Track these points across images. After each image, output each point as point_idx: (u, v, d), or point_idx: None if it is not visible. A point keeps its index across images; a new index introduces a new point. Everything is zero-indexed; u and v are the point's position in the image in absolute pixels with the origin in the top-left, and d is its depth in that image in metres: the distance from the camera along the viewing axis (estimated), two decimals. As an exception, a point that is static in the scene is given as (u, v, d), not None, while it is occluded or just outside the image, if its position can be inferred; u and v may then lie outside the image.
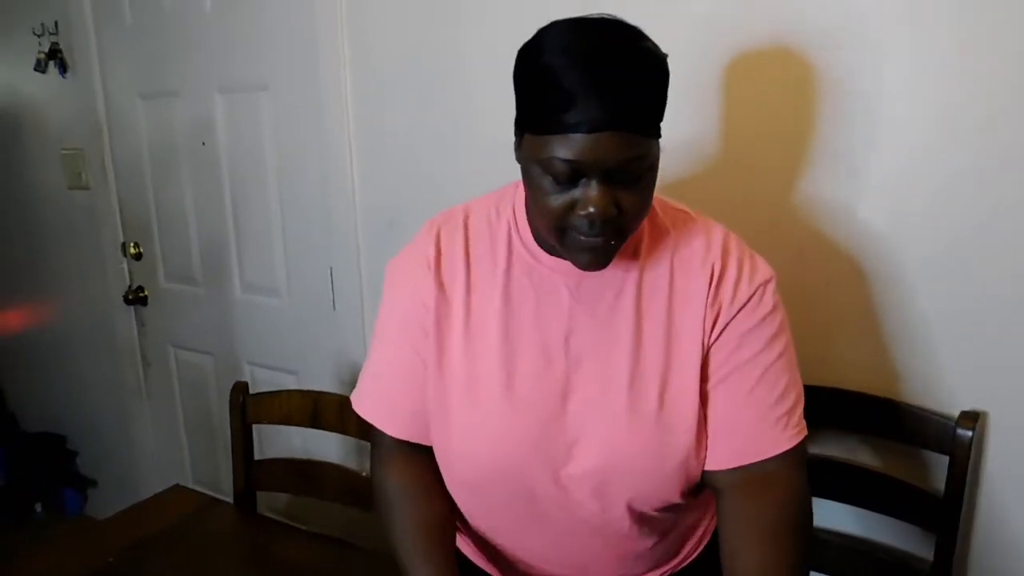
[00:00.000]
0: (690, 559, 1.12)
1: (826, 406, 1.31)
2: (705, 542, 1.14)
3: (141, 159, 2.26)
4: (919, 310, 1.28)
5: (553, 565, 1.06)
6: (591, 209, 0.83)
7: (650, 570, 1.09)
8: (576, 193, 0.84)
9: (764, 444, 0.95)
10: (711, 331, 0.95)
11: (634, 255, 0.97)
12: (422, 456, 1.04)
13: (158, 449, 2.52)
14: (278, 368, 2.10)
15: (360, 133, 1.78)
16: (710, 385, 0.96)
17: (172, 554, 1.29)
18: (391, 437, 1.05)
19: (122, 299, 2.37)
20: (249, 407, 1.56)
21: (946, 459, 1.26)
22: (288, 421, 1.57)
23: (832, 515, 1.41)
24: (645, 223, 0.96)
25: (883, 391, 1.33)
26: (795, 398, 0.97)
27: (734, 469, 0.95)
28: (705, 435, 0.96)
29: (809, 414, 1.01)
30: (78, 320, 2.59)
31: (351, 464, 1.79)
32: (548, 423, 0.96)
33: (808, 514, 0.97)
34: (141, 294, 2.38)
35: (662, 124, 0.86)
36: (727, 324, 0.95)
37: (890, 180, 1.27)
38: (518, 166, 0.91)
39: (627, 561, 1.05)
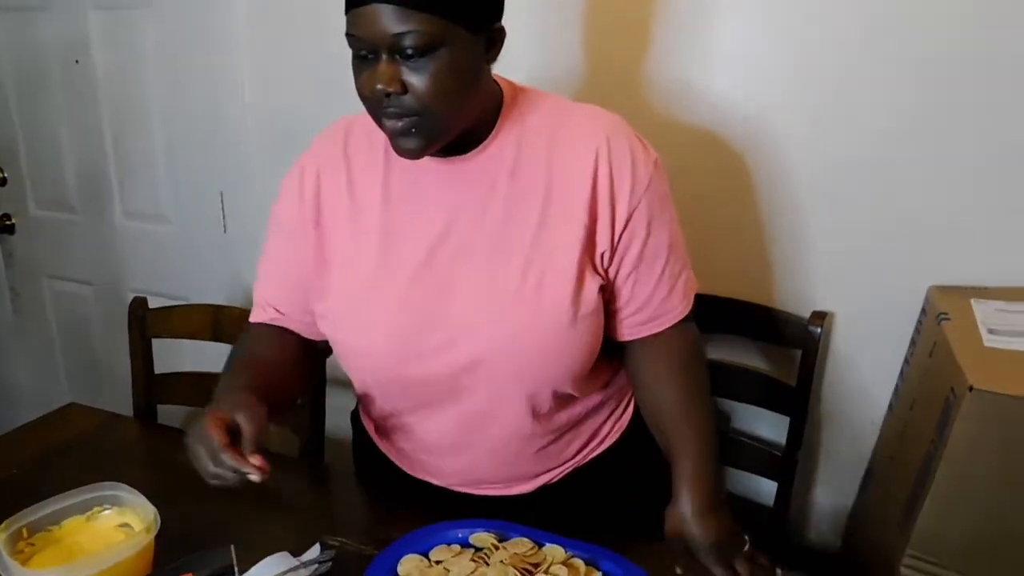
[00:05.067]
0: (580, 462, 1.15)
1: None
2: (599, 446, 1.16)
3: (2, 77, 2.13)
4: (779, 228, 1.45)
5: (451, 463, 1.11)
6: (377, 86, 0.85)
7: (546, 471, 1.13)
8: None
9: (672, 313, 1.05)
10: (612, 219, 0.98)
11: (496, 139, 0.98)
12: (288, 333, 1.12)
13: (30, 380, 2.44)
14: (166, 295, 2.05)
15: (252, 51, 1.77)
16: (623, 273, 1.01)
17: (78, 463, 1.28)
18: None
19: (-17, 228, 2.25)
20: (149, 321, 1.56)
21: (799, 353, 1.45)
22: (188, 335, 1.57)
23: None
24: (503, 108, 0.98)
25: (743, 295, 1.49)
26: (685, 260, 1.06)
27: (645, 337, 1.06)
28: (602, 313, 1.02)
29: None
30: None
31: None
32: (427, 313, 0.99)
33: (703, 350, 1.11)
34: (7, 222, 2.26)
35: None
36: (633, 211, 0.98)
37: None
38: None
39: (523, 458, 1.09)
